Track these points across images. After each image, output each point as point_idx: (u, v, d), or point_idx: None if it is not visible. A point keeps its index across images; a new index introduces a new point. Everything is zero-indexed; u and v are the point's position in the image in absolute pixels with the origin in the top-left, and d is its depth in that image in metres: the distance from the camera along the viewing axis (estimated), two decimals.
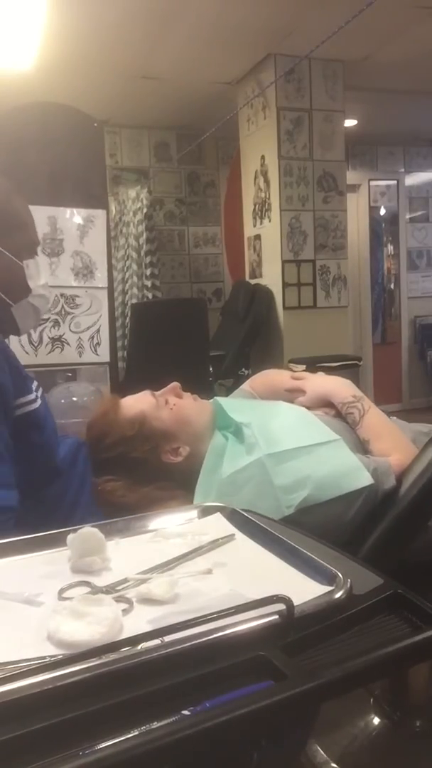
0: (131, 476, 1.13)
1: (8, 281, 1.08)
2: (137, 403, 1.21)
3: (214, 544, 0.75)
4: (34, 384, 1.09)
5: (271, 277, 4.27)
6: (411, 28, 3.58)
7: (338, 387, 1.28)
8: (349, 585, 0.60)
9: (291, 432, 1.13)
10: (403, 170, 6.11)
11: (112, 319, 3.33)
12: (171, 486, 1.13)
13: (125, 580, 0.65)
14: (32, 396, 1.05)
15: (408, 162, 6.14)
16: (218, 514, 0.84)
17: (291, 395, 1.33)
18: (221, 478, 1.09)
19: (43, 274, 1.17)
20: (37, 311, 1.17)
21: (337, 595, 0.59)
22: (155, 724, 0.45)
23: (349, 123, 4.69)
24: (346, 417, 1.23)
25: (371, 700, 0.90)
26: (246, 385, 1.46)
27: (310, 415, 1.20)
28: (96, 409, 1.23)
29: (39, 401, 1.07)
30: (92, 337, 3.21)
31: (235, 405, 1.24)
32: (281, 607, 0.54)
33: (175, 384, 1.25)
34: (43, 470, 1.08)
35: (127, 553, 0.74)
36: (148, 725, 0.45)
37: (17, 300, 1.11)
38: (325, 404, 1.28)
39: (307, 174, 4.15)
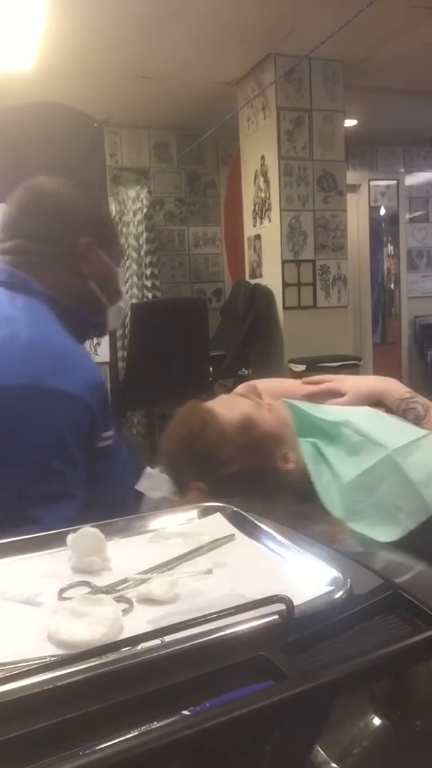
0: (251, 492, 0.96)
1: (107, 285, 1.16)
2: (236, 406, 1.07)
3: (214, 544, 0.75)
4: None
5: (271, 277, 4.27)
6: (411, 28, 3.58)
7: (390, 384, 1.20)
8: (349, 585, 0.60)
9: (388, 428, 1.06)
10: (403, 170, 6.11)
11: None
12: (295, 499, 0.99)
13: (125, 580, 0.65)
14: (111, 432, 1.07)
15: (408, 162, 6.14)
16: (218, 514, 0.84)
17: (314, 399, 1.21)
18: (343, 483, 0.99)
19: (123, 287, 1.25)
20: (121, 313, 1.26)
21: (337, 595, 0.59)
22: (155, 724, 0.45)
23: (349, 123, 4.70)
24: (405, 413, 1.14)
25: (371, 700, 0.90)
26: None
27: (380, 412, 1.13)
28: (184, 423, 1.06)
29: (113, 438, 1.09)
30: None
31: (306, 406, 1.14)
32: (281, 607, 0.54)
33: (253, 382, 1.15)
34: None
35: (127, 553, 0.74)
36: (148, 725, 0.45)
37: (113, 303, 1.19)
38: (370, 404, 1.18)
39: (307, 174, 4.15)
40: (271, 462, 1.03)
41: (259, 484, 1.00)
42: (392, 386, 1.20)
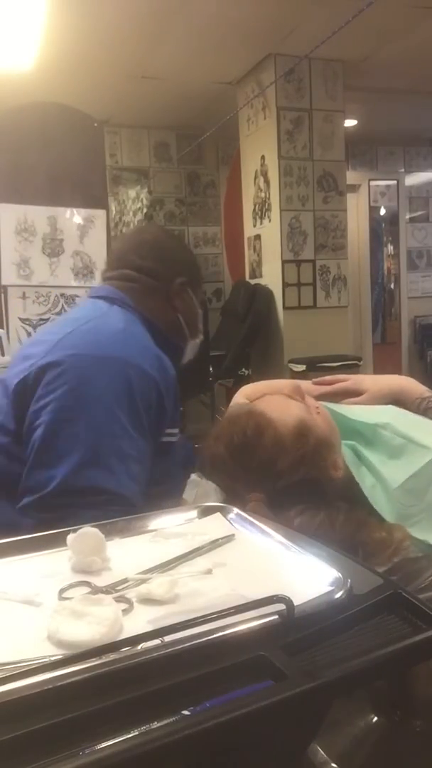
0: (309, 502, 0.92)
1: (191, 321, 1.30)
2: (289, 410, 1.00)
3: (214, 544, 0.75)
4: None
5: (271, 277, 4.27)
6: (411, 28, 3.58)
7: (409, 383, 1.19)
8: (349, 585, 0.60)
9: (423, 429, 1.03)
10: (403, 170, 6.11)
11: None
12: (348, 506, 0.95)
13: (125, 580, 0.65)
14: (176, 431, 1.17)
15: (408, 162, 6.14)
16: (218, 514, 0.84)
17: (330, 400, 1.15)
18: (392, 487, 0.95)
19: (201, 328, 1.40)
20: (195, 348, 1.38)
21: (337, 595, 0.59)
22: (155, 724, 0.45)
23: (349, 123, 4.70)
24: (426, 413, 1.12)
25: (371, 700, 0.90)
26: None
27: (407, 412, 1.11)
28: (237, 428, 0.98)
29: (177, 436, 1.18)
30: None
31: (338, 407, 1.11)
32: (281, 607, 0.54)
33: (298, 382, 1.09)
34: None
35: (127, 553, 0.74)
36: (148, 725, 0.45)
37: (193, 337, 1.33)
38: (388, 403, 1.15)
39: (307, 174, 4.15)
40: (326, 469, 0.98)
41: (316, 492, 0.95)
42: (411, 385, 1.19)
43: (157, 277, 1.24)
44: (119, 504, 0.98)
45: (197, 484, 1.15)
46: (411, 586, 0.79)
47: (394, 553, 0.87)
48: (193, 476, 1.19)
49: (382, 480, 0.97)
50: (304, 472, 0.95)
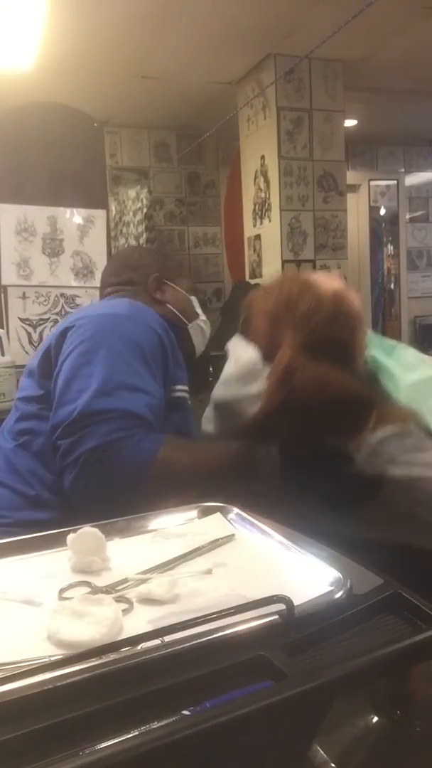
0: (334, 361, 1.00)
1: (184, 306, 1.45)
2: (331, 281, 1.15)
3: (214, 544, 0.75)
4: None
5: (272, 277, 4.27)
6: (411, 28, 3.58)
7: None
8: (349, 585, 0.60)
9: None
10: (403, 170, 6.11)
11: None
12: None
13: (125, 580, 0.66)
14: (185, 388, 1.28)
15: (408, 162, 6.13)
16: (218, 514, 0.84)
17: None
18: (405, 384, 1.07)
19: (200, 312, 1.53)
20: (204, 334, 1.54)
21: (337, 595, 0.59)
22: (155, 724, 0.45)
23: (349, 123, 4.70)
24: None
25: (371, 700, 0.90)
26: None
27: None
28: (285, 285, 1.17)
29: (188, 394, 1.31)
30: None
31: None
32: (281, 607, 0.54)
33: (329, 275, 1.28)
34: None
35: (127, 553, 0.74)
36: (148, 725, 0.45)
37: (191, 321, 1.47)
38: None
39: (307, 174, 4.15)
40: (354, 341, 1.10)
41: (343, 359, 1.06)
42: None
43: (134, 282, 1.42)
44: (134, 419, 1.04)
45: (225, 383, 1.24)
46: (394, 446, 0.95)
47: (401, 422, 0.99)
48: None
49: (395, 379, 1.07)
50: (337, 330, 1.07)
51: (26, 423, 1.19)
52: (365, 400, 0.98)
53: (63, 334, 1.20)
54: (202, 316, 1.53)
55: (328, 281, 1.15)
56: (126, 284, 1.43)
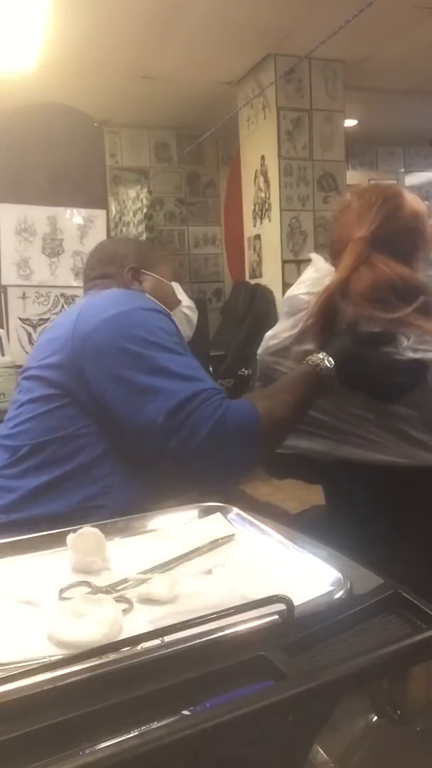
0: (395, 257, 1.15)
1: (164, 294, 1.40)
2: (419, 200, 1.25)
3: (214, 544, 0.75)
4: None
5: (271, 277, 4.27)
6: (411, 28, 3.58)
7: None
8: (349, 585, 0.60)
9: None
10: (403, 170, 6.11)
11: None
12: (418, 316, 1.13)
13: (125, 580, 0.66)
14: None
15: (408, 162, 6.14)
16: (218, 514, 0.84)
17: None
18: None
19: (186, 297, 1.48)
20: (189, 320, 1.49)
21: (337, 595, 0.59)
22: (155, 724, 0.45)
23: (349, 123, 4.69)
24: None
25: (371, 700, 0.90)
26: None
27: None
28: (373, 184, 1.29)
29: None
30: None
31: None
32: (281, 607, 0.54)
33: None
34: None
35: (127, 553, 0.74)
36: (148, 725, 0.45)
37: (172, 308, 1.40)
38: None
39: (307, 174, 4.15)
40: (420, 248, 1.20)
41: (408, 260, 1.16)
42: None
43: (110, 276, 1.38)
44: (214, 394, 1.04)
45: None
46: None
47: None
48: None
49: None
50: (409, 231, 1.18)
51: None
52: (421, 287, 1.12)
53: (79, 353, 1.14)
54: (186, 302, 1.48)
55: (415, 199, 1.25)
56: (102, 278, 1.39)
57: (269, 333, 1.34)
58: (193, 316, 1.51)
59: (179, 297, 1.46)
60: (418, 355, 1.07)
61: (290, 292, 1.31)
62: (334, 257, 1.26)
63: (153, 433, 1.01)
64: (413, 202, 1.24)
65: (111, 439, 1.12)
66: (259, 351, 1.35)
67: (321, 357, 1.09)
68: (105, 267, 1.41)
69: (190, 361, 1.12)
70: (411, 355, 1.07)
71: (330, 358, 1.09)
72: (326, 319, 1.16)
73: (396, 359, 1.08)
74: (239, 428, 0.99)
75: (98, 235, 3.26)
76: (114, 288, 1.32)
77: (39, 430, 1.15)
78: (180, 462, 1.00)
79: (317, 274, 1.26)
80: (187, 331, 1.47)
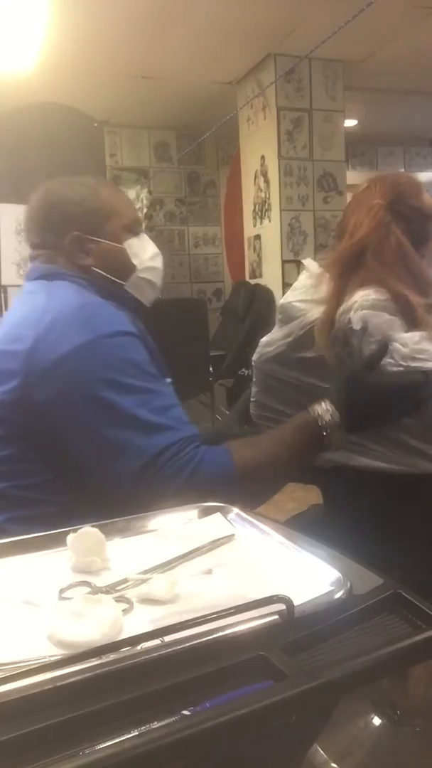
0: (407, 234, 1.20)
1: (113, 264, 1.21)
2: None
3: (214, 544, 0.75)
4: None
5: (271, 277, 4.27)
6: (411, 28, 3.58)
7: None
8: (349, 585, 0.60)
9: None
10: (403, 170, 6.11)
11: None
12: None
13: (125, 580, 0.65)
14: (169, 381, 1.15)
15: (408, 162, 6.14)
16: (218, 514, 0.84)
17: None
18: None
19: (149, 247, 1.27)
20: (150, 283, 1.28)
21: (337, 595, 0.59)
22: (155, 724, 0.45)
23: (349, 123, 4.70)
24: None
25: (371, 700, 0.90)
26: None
27: None
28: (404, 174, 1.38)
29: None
30: None
31: None
32: (281, 607, 0.54)
33: None
34: None
35: (127, 553, 0.74)
36: (148, 725, 0.45)
37: (126, 278, 1.23)
38: None
39: (307, 174, 4.15)
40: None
41: (419, 245, 1.21)
42: None
43: (52, 245, 1.19)
44: (187, 442, 0.98)
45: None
46: None
47: None
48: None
49: None
50: (426, 217, 1.23)
51: None
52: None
53: (37, 394, 1.00)
54: (145, 260, 1.26)
55: None
56: (42, 247, 1.20)
57: (264, 340, 1.32)
58: (156, 272, 1.29)
59: (135, 258, 1.24)
60: (417, 364, 1.04)
61: (284, 299, 1.31)
62: (341, 233, 1.29)
63: (121, 491, 0.96)
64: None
65: (73, 493, 1.02)
66: (254, 357, 1.34)
67: (325, 408, 1.00)
68: (43, 234, 1.21)
69: (163, 398, 1.03)
70: (412, 364, 1.04)
71: (334, 411, 0.99)
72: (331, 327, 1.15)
73: (407, 380, 1.03)
74: (212, 482, 0.94)
75: None
76: (59, 283, 1.14)
77: None
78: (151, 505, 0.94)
79: (311, 281, 1.26)
80: (149, 296, 1.29)
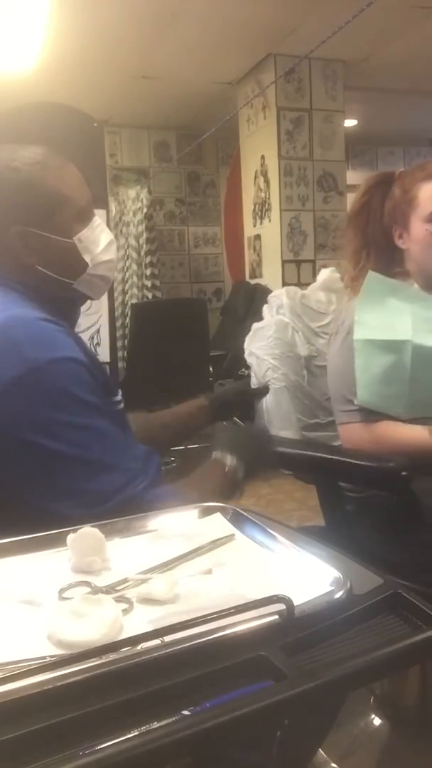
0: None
1: (62, 263, 1.07)
2: None
3: (214, 544, 0.74)
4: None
5: (271, 277, 4.27)
6: (411, 28, 3.58)
7: None
8: (349, 585, 0.60)
9: None
10: (403, 170, 6.11)
11: (112, 319, 3.33)
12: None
13: (125, 580, 0.65)
14: (119, 398, 1.09)
15: (408, 162, 6.14)
16: (218, 514, 0.84)
17: None
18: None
19: (101, 238, 1.12)
20: (103, 278, 1.14)
21: (337, 595, 0.59)
22: (155, 724, 0.45)
23: (349, 123, 4.70)
24: None
25: (371, 700, 0.90)
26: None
27: None
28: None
29: (122, 404, 1.10)
30: (92, 337, 3.21)
31: None
32: (281, 607, 0.54)
33: None
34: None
35: (127, 553, 0.74)
36: (148, 725, 0.45)
37: (76, 277, 1.09)
38: None
39: (307, 174, 4.15)
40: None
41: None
42: None
43: None
44: (131, 479, 0.96)
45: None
46: None
47: None
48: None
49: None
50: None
51: None
52: None
53: None
54: (97, 257, 1.11)
55: None
56: None
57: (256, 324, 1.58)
58: (109, 265, 1.14)
59: (87, 253, 1.09)
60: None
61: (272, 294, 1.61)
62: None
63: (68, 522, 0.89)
64: None
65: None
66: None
67: (222, 454, 1.07)
68: None
69: (104, 433, 0.97)
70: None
71: (229, 455, 1.07)
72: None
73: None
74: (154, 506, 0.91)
75: None
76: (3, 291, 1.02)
77: None
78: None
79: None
80: (100, 290, 1.16)
